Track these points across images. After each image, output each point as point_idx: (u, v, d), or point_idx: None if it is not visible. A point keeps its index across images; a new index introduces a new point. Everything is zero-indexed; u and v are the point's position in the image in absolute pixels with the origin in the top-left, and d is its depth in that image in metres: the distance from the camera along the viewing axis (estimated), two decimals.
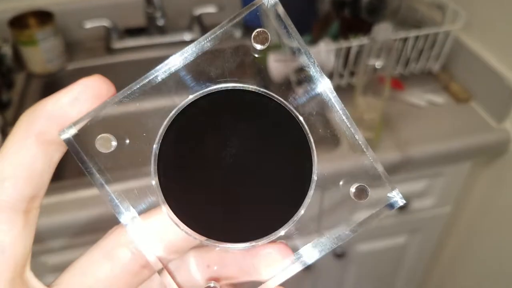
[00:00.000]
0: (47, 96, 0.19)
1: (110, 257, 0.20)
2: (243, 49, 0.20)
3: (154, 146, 0.20)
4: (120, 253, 0.20)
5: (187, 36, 1.02)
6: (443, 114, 0.84)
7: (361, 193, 0.21)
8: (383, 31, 0.69)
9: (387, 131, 0.79)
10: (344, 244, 0.94)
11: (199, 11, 0.99)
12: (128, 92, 0.19)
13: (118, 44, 1.00)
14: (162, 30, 1.01)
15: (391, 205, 0.22)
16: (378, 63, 0.69)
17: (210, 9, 0.99)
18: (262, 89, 0.20)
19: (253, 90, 0.20)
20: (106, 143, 0.19)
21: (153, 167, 0.20)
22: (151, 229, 0.21)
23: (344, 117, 0.21)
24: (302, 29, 0.90)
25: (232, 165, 0.20)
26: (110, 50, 1.00)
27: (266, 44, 0.19)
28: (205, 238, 0.21)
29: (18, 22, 0.91)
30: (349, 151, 0.21)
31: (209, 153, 0.20)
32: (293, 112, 0.21)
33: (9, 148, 0.19)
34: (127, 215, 0.21)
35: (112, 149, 0.19)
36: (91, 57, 0.99)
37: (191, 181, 0.21)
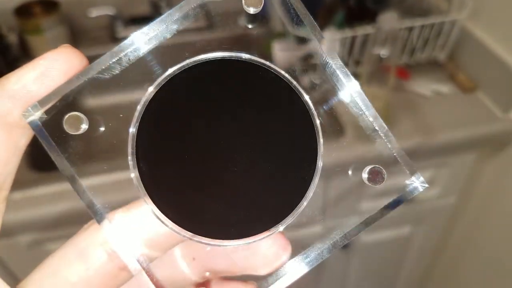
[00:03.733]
0: None
1: (84, 257, 0.18)
2: (233, 16, 0.17)
3: (131, 129, 0.17)
4: (95, 254, 0.18)
5: (192, 24, 1.01)
6: (449, 104, 0.83)
7: (376, 175, 0.18)
8: (389, 20, 0.68)
9: (392, 121, 0.79)
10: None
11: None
12: (103, 67, 0.16)
13: (123, 33, 1.00)
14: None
15: (410, 192, 0.19)
16: (383, 52, 0.69)
17: None
18: (259, 60, 0.17)
19: (248, 60, 0.17)
20: (76, 123, 0.16)
21: (131, 154, 0.17)
22: (130, 227, 0.18)
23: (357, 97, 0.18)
24: None
25: (224, 150, 0.18)
26: (115, 39, 1.00)
27: (260, 7, 0.17)
28: (193, 234, 0.18)
29: (24, 11, 0.91)
30: (360, 135, 0.18)
31: (197, 136, 0.17)
32: (297, 89, 0.18)
33: None
34: (103, 211, 0.18)
35: (83, 130, 0.17)
36: (96, 46, 1.00)
37: (177, 170, 0.18)
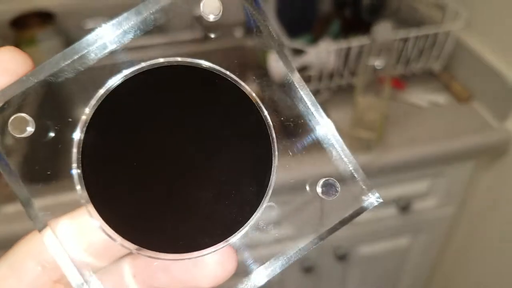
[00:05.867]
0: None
1: (16, 271, 0.17)
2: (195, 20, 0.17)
3: (78, 133, 0.16)
4: (27, 266, 0.17)
5: (187, 36, 1.02)
6: (445, 114, 0.83)
7: (330, 188, 0.18)
8: (383, 30, 0.68)
9: (388, 131, 0.79)
10: (346, 245, 0.93)
11: (199, 11, 0.99)
12: (55, 70, 0.16)
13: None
14: (162, 30, 1.01)
15: (365, 207, 0.18)
16: (378, 63, 0.69)
17: None
18: (211, 65, 0.17)
19: (207, 68, 0.17)
20: (21, 125, 0.16)
21: (75, 159, 0.16)
22: (72, 234, 0.17)
23: (308, 101, 0.17)
24: (303, 29, 0.90)
25: (174, 160, 0.17)
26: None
27: (219, 14, 0.16)
28: (138, 247, 0.17)
29: (20, 22, 0.91)
30: (317, 149, 0.18)
31: (145, 144, 0.17)
32: (251, 95, 0.17)
33: None
34: (42, 217, 0.17)
35: (28, 133, 0.16)
36: None
37: (123, 180, 0.17)
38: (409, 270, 1.06)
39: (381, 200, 0.18)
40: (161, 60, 0.17)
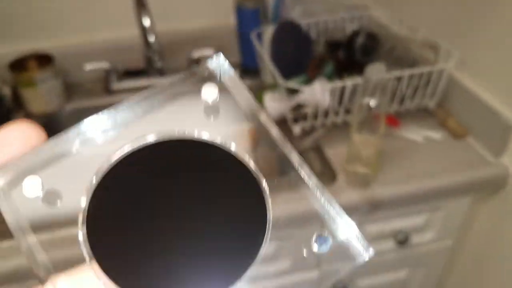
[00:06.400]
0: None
1: None
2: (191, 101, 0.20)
3: (84, 200, 0.18)
4: None
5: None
6: (441, 149, 0.84)
7: (323, 242, 0.19)
8: (377, 71, 0.69)
9: (385, 166, 0.79)
10: (345, 279, 0.91)
11: (197, 54, 1.01)
12: (68, 145, 0.18)
13: (117, 85, 1.01)
14: (160, 72, 1.03)
15: (360, 262, 0.20)
16: (372, 102, 0.70)
17: (207, 51, 1.01)
18: (201, 138, 0.19)
19: (189, 137, 0.19)
20: (33, 187, 0.18)
21: (81, 221, 0.18)
22: None
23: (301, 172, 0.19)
24: (298, 70, 0.92)
25: (171, 221, 0.19)
26: (109, 91, 1.01)
27: (217, 99, 0.19)
28: None
29: (19, 64, 0.92)
30: (312, 202, 0.20)
31: (145, 209, 0.19)
32: (243, 160, 0.19)
33: None
34: (44, 271, 0.18)
35: (38, 195, 0.18)
36: (90, 98, 1.01)
37: (123, 240, 0.19)
38: None
39: (373, 254, 0.20)
40: (154, 136, 0.19)
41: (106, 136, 0.19)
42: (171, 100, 0.19)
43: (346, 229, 0.20)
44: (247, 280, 0.19)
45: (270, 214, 0.19)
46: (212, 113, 0.19)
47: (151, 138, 0.19)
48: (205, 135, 0.19)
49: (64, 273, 0.18)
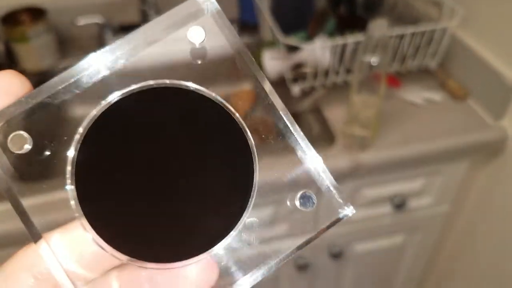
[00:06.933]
0: None
1: (9, 282, 0.17)
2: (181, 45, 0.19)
3: (72, 150, 0.18)
4: (21, 278, 0.17)
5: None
6: (440, 111, 0.83)
7: (307, 201, 0.20)
8: (379, 27, 0.68)
9: (383, 129, 0.78)
10: (340, 243, 0.93)
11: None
12: (52, 92, 0.17)
13: (111, 41, 0.99)
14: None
15: (341, 218, 0.20)
16: (373, 60, 0.69)
17: None
18: (194, 86, 0.19)
19: (182, 87, 0.19)
20: (20, 142, 0.17)
21: (69, 175, 0.18)
22: (65, 246, 0.18)
23: (286, 119, 0.19)
24: (298, 26, 0.90)
25: (161, 175, 0.19)
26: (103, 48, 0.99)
27: (204, 40, 0.18)
28: (129, 258, 0.18)
29: (10, 18, 0.90)
30: (296, 160, 0.20)
31: (135, 161, 0.18)
32: (231, 111, 0.19)
33: None
34: (37, 229, 0.18)
35: (25, 150, 0.17)
36: (85, 54, 0.98)
37: (114, 192, 0.18)
38: (404, 268, 1.06)
39: (355, 211, 0.20)
40: (151, 82, 0.18)
41: (93, 81, 0.18)
42: (154, 42, 0.18)
43: (313, 160, 0.20)
44: (233, 239, 0.19)
45: (257, 175, 0.19)
46: (198, 57, 0.19)
47: (137, 86, 0.18)
48: (192, 85, 0.19)
49: (56, 231, 0.18)
